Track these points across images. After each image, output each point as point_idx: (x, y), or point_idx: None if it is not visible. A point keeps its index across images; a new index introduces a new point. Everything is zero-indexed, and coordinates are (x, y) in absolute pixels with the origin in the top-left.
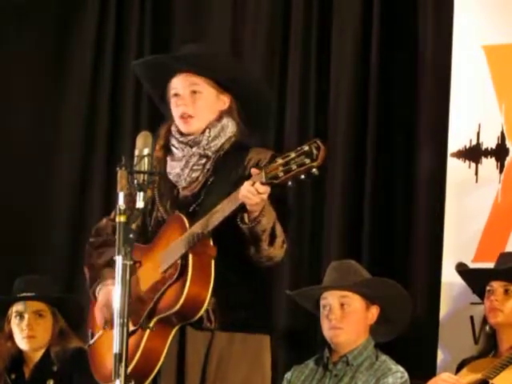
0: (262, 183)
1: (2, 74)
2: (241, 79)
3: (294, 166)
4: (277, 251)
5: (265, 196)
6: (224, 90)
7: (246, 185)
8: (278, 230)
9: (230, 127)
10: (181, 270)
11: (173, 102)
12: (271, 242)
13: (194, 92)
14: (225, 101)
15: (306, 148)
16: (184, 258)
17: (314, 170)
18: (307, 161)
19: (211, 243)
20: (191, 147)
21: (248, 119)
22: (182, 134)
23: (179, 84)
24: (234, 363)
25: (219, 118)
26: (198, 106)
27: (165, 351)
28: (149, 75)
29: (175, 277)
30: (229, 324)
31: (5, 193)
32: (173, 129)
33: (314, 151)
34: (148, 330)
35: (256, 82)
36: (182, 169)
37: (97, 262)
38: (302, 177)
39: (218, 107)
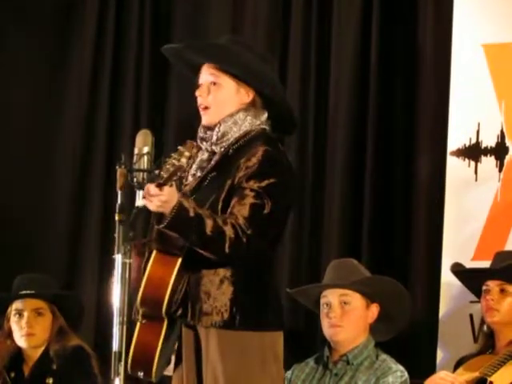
0: (156, 185)
1: (1, 73)
2: (263, 77)
3: (170, 168)
4: (218, 247)
5: (162, 197)
6: (246, 83)
7: (145, 189)
8: (210, 227)
9: (247, 121)
10: (145, 264)
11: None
12: (203, 242)
13: (214, 83)
14: (248, 94)
15: (181, 149)
16: (150, 252)
17: (181, 171)
18: (176, 162)
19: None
20: (206, 142)
21: (274, 122)
22: (203, 128)
23: (202, 74)
24: (219, 360)
25: (234, 113)
26: (214, 97)
27: (160, 343)
28: (178, 61)
29: (142, 271)
30: (213, 321)
31: (4, 192)
32: (201, 123)
33: (185, 152)
34: (138, 323)
35: (278, 85)
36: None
37: None
38: (174, 178)
39: (240, 100)
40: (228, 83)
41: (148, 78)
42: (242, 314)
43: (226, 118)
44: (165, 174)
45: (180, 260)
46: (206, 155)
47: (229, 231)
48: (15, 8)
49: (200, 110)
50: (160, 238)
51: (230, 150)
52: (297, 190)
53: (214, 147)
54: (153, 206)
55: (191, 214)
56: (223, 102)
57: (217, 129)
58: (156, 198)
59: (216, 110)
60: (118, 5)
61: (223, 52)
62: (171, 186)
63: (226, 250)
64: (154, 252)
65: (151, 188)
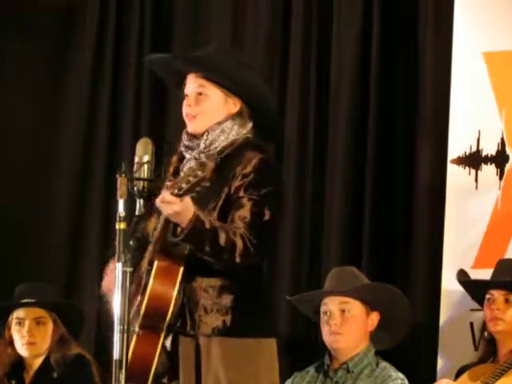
0: (171, 194)
1: (1, 74)
2: (248, 86)
3: (191, 178)
4: (228, 258)
5: (175, 207)
6: (232, 94)
7: (160, 195)
8: (223, 239)
9: (234, 130)
10: (147, 275)
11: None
12: (216, 253)
13: (200, 94)
14: (235, 104)
15: (204, 160)
16: (151, 264)
17: (204, 182)
18: (199, 173)
19: (184, 249)
20: (192, 150)
21: (258, 129)
22: (188, 135)
23: (189, 84)
24: (222, 368)
25: (222, 121)
26: (201, 107)
27: (156, 355)
28: (164, 71)
29: (143, 282)
30: (214, 329)
31: (4, 197)
32: (184, 131)
33: (208, 163)
34: (135, 335)
35: (265, 94)
36: (182, 172)
37: None
38: (198, 189)
39: (227, 110)
40: (216, 94)
41: (148, 84)
42: (243, 321)
43: (214, 127)
44: (184, 184)
45: (181, 270)
46: (192, 163)
47: (239, 242)
48: (15, 8)
49: (186, 118)
50: (162, 248)
51: (218, 159)
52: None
53: (201, 155)
54: (165, 212)
55: (207, 226)
56: (211, 112)
57: (205, 137)
58: (169, 206)
59: (203, 120)
60: (119, 5)
61: (211, 62)
62: (191, 197)
63: (237, 259)
64: (156, 263)
65: (166, 195)
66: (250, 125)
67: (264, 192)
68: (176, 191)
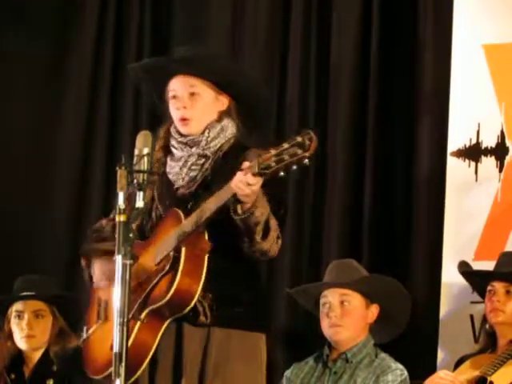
0: (254, 174)
1: (1, 73)
2: (238, 80)
3: (286, 157)
4: (270, 245)
5: (255, 187)
6: (222, 90)
7: (239, 175)
8: (273, 224)
9: (229, 128)
10: (173, 262)
11: (171, 103)
12: (265, 236)
13: (193, 94)
14: (224, 102)
15: (299, 139)
16: (177, 250)
17: (305, 160)
18: (299, 151)
19: (206, 237)
20: (191, 147)
21: (246, 120)
22: (181, 134)
23: (177, 86)
24: (231, 360)
25: (219, 119)
26: (196, 108)
27: (155, 344)
28: (146, 77)
29: (167, 269)
30: (225, 320)
31: (4, 192)
32: (172, 129)
33: (307, 142)
34: (139, 322)
35: (254, 82)
36: (180, 168)
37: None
38: (294, 167)
39: (217, 108)
40: (207, 92)
41: None
42: (254, 315)
43: (214, 124)
44: (273, 163)
45: (206, 262)
46: (194, 159)
47: (278, 232)
48: (14, 7)
49: (180, 122)
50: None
51: (219, 155)
52: None
53: (205, 151)
54: (243, 192)
55: (266, 212)
56: (204, 112)
57: (206, 134)
58: (251, 187)
59: (198, 122)
60: (118, 4)
61: (198, 61)
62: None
63: (274, 248)
64: (184, 249)
65: (249, 177)
66: (237, 123)
67: (276, 186)
68: (261, 170)
